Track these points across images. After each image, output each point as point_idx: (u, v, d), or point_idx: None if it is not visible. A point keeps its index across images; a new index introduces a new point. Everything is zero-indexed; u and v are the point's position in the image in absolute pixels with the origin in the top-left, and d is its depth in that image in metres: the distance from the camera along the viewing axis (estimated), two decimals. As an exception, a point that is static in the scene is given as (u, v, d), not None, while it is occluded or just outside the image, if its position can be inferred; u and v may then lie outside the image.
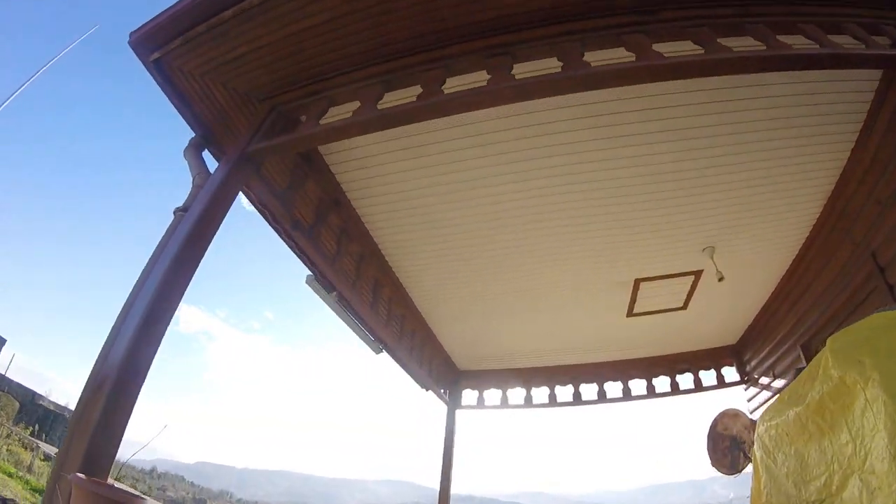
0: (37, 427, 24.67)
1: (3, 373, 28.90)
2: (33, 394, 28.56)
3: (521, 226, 4.26)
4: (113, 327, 2.43)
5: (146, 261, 2.63)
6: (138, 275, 2.57)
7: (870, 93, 3.32)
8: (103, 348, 2.37)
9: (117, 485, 2.03)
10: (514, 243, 4.48)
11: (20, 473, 16.25)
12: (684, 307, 5.51)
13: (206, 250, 2.57)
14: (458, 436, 7.03)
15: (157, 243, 2.67)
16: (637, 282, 5.01)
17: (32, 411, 26.93)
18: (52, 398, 29.00)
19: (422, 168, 3.72)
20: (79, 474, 1.79)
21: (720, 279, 4.50)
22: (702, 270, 4.85)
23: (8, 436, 21.78)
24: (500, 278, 4.99)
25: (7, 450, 19.14)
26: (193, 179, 2.88)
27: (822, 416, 2.22)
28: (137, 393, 2.19)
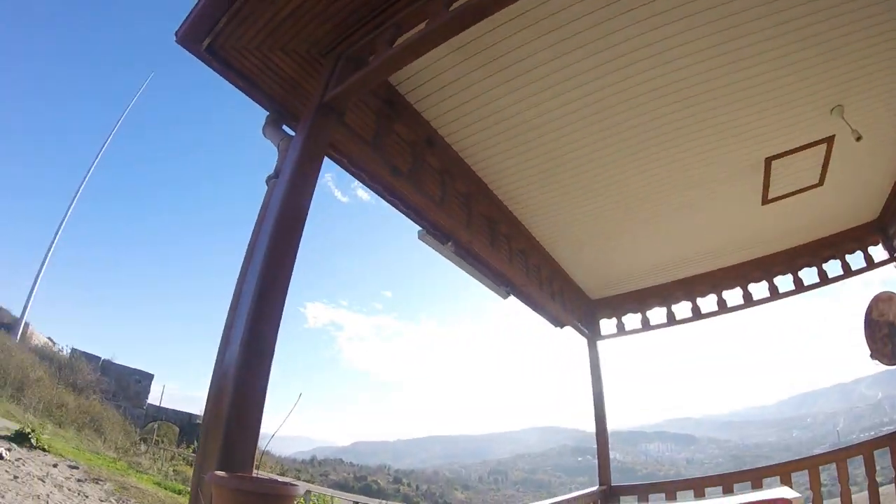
0: (197, 444, 27.35)
1: (159, 404, 32.33)
2: (189, 416, 31.80)
3: (632, 121, 3.85)
4: (229, 312, 2.32)
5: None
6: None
7: None
8: (223, 337, 2.28)
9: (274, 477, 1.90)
10: (628, 146, 4.09)
11: (188, 489, 17.86)
12: (820, 183, 4.91)
13: (307, 212, 2.43)
14: (603, 368, 6.63)
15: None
16: (768, 161, 4.48)
17: (191, 431, 29.91)
18: (207, 415, 32.17)
19: (507, 82, 3.41)
20: (217, 472, 1.62)
21: (858, 139, 3.94)
22: (833, 136, 4.28)
23: (172, 458, 24.18)
24: (620, 188, 4.62)
25: (174, 470, 21.23)
26: (278, 147, 2.78)
27: None
28: (267, 375, 2.07)
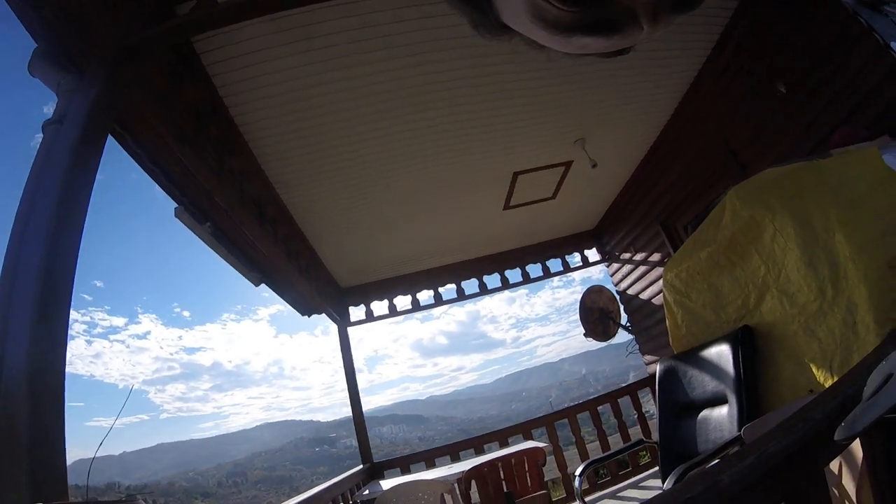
0: None
1: None
2: None
3: (401, 127, 4.01)
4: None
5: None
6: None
7: (728, 10, 3.76)
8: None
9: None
10: (398, 148, 4.28)
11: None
12: (553, 197, 5.81)
13: (97, 168, 2.01)
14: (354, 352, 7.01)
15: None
16: (515, 175, 5.12)
17: None
18: None
19: (311, 64, 3.22)
20: None
21: (594, 166, 4.78)
22: (572, 161, 5.08)
23: None
24: (383, 187, 4.80)
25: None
26: (58, 88, 2.28)
27: (733, 251, 2.65)
28: (63, 372, 1.65)
